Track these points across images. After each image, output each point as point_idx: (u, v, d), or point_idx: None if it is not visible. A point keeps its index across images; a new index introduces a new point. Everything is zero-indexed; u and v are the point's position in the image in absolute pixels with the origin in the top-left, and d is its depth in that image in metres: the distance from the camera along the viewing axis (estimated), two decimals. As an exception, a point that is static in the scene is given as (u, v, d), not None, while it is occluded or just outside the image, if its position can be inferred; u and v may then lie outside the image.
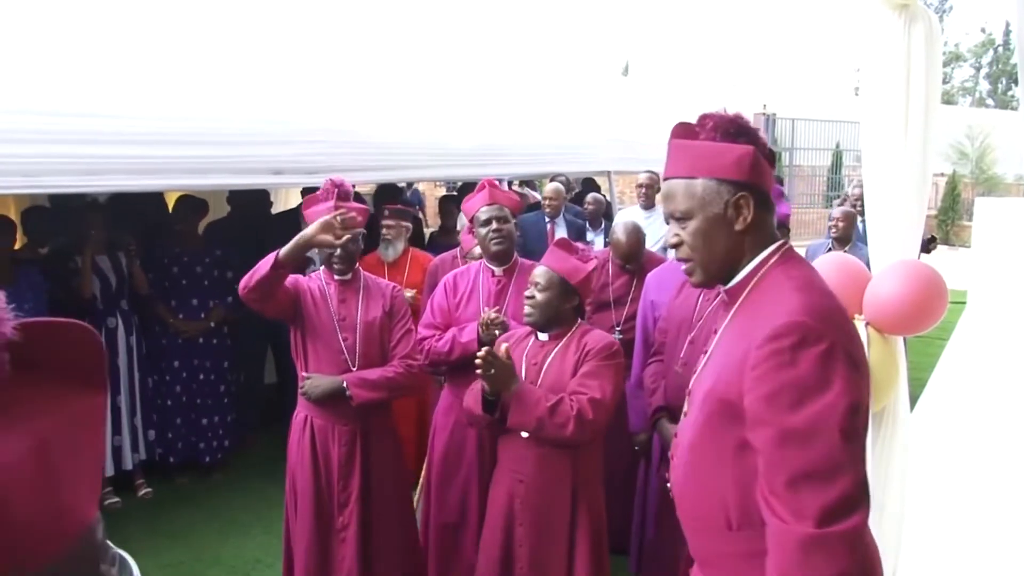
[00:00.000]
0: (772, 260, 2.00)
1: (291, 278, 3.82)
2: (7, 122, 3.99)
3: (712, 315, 3.57)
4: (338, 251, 3.84)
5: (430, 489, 4.24)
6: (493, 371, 3.20)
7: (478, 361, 3.17)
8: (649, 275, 4.46)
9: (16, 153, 3.99)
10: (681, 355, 3.68)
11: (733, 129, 1.99)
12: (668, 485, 2.26)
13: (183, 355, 6.09)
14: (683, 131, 2.06)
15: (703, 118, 2.03)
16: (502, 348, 3.27)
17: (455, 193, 9.38)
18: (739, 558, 1.95)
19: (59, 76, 4.35)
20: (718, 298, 3.57)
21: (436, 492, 4.16)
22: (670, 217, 2.06)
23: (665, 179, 2.08)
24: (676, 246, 2.06)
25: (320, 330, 3.86)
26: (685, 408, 2.19)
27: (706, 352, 2.13)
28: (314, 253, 3.95)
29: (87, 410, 0.79)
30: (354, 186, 4.06)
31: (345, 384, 3.79)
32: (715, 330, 2.14)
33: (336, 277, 3.96)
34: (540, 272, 3.50)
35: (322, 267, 4.00)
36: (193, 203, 6.14)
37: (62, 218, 5.72)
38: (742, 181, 1.96)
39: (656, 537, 3.88)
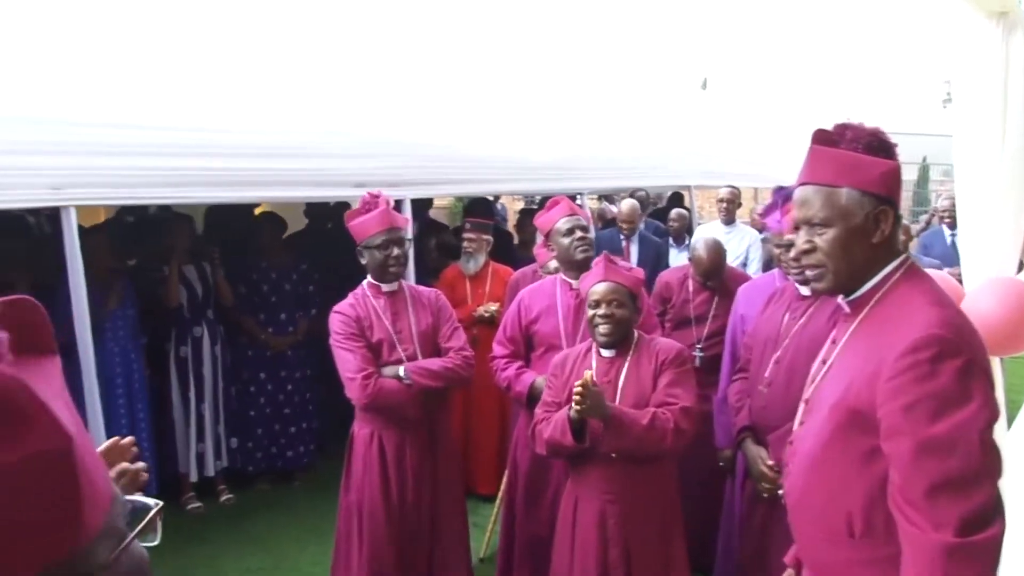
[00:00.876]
0: (897, 274, 2.04)
1: (356, 321, 3.86)
2: (100, 136, 4.10)
3: (799, 333, 3.51)
4: (395, 254, 3.86)
5: (512, 503, 4.23)
6: (588, 402, 3.19)
7: (575, 399, 3.15)
8: (740, 289, 4.41)
9: (110, 166, 4.10)
10: (766, 374, 3.61)
11: (876, 143, 2.02)
12: (780, 493, 2.29)
13: (269, 367, 6.20)
14: (823, 137, 2.08)
15: (841, 128, 2.05)
16: (588, 375, 3.24)
17: (535, 207, 9.38)
18: (859, 565, 1.99)
19: (151, 91, 4.45)
20: (805, 315, 3.53)
21: (523, 506, 4.15)
22: (804, 223, 2.08)
23: (801, 184, 2.10)
24: (807, 252, 2.08)
25: (381, 345, 3.88)
26: (800, 418, 2.24)
27: (825, 362, 2.16)
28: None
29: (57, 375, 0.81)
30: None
31: (403, 371, 3.80)
32: (833, 340, 2.17)
33: (384, 290, 3.97)
34: (611, 288, 3.46)
35: (364, 282, 4.02)
36: (274, 218, 6.25)
37: (150, 229, 5.86)
38: (884, 195, 2.00)
39: (742, 555, 3.81)
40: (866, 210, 1.99)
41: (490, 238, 5.92)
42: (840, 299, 2.16)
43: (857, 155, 2.01)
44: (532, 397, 3.97)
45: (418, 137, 5.64)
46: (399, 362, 3.85)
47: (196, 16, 5.21)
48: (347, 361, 3.80)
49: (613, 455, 3.33)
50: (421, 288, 4.19)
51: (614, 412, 3.24)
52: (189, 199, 4.82)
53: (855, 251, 2.02)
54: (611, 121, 8.00)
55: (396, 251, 3.86)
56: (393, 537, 3.85)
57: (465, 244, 5.80)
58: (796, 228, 2.14)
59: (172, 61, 4.72)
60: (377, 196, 3.89)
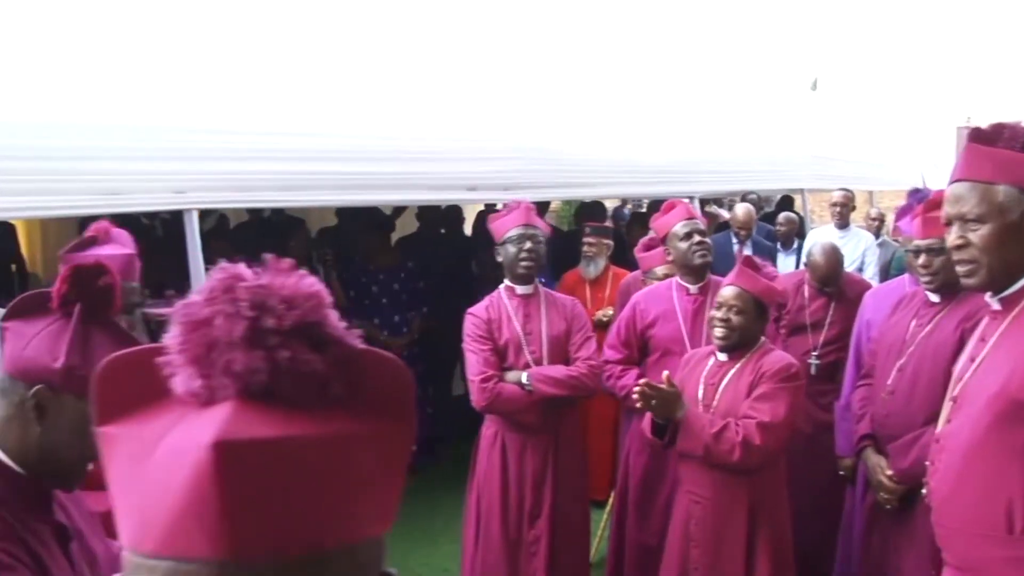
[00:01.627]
0: None
1: (486, 323, 3.89)
2: (221, 141, 4.20)
3: (925, 341, 3.40)
4: (528, 247, 3.87)
5: (623, 509, 4.21)
6: (655, 401, 3.17)
7: (635, 395, 3.16)
8: (868, 294, 4.30)
9: (230, 170, 4.20)
10: (889, 382, 3.50)
11: None
12: (924, 492, 2.30)
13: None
14: (980, 136, 2.07)
15: (999, 127, 2.05)
16: (664, 375, 3.22)
17: (643, 211, 9.31)
18: (1014, 563, 1.97)
19: (270, 97, 4.56)
20: (932, 323, 3.41)
21: (634, 514, 4.12)
22: (956, 219, 2.09)
23: (955, 181, 2.10)
24: (960, 247, 2.09)
25: (507, 347, 3.89)
26: (946, 416, 2.22)
27: (973, 360, 2.17)
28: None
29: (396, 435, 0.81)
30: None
31: (526, 377, 3.80)
32: (982, 338, 2.18)
33: (519, 292, 3.98)
34: (734, 293, 3.40)
35: (502, 285, 4.03)
36: (382, 221, 6.34)
37: (268, 231, 6.00)
38: None
39: (861, 567, 3.71)
40: (1023, 207, 1.99)
41: (610, 242, 5.89)
42: (988, 297, 2.16)
43: (1015, 153, 2.00)
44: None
45: (529, 140, 5.65)
46: (525, 366, 3.85)
47: (312, 23, 5.32)
48: (471, 363, 3.85)
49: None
50: (559, 295, 4.18)
51: (686, 415, 3.21)
52: (305, 203, 4.93)
53: (1010, 248, 2.02)
54: (721, 123, 7.89)
55: (529, 245, 3.87)
56: (506, 540, 3.86)
57: (585, 248, 5.78)
58: (947, 224, 2.13)
59: (290, 68, 4.83)
60: (520, 202, 3.98)
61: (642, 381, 3.18)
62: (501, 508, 3.87)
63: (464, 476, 4.10)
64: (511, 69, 6.29)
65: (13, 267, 7.40)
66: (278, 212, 6.43)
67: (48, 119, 3.74)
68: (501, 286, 4.03)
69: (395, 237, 6.74)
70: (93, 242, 2.47)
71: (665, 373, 3.26)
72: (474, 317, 3.93)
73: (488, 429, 3.99)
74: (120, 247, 2.51)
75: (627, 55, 7.94)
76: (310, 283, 0.81)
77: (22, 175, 3.59)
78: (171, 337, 0.79)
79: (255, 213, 7.23)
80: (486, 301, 3.99)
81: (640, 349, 4.21)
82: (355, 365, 0.80)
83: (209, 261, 4.16)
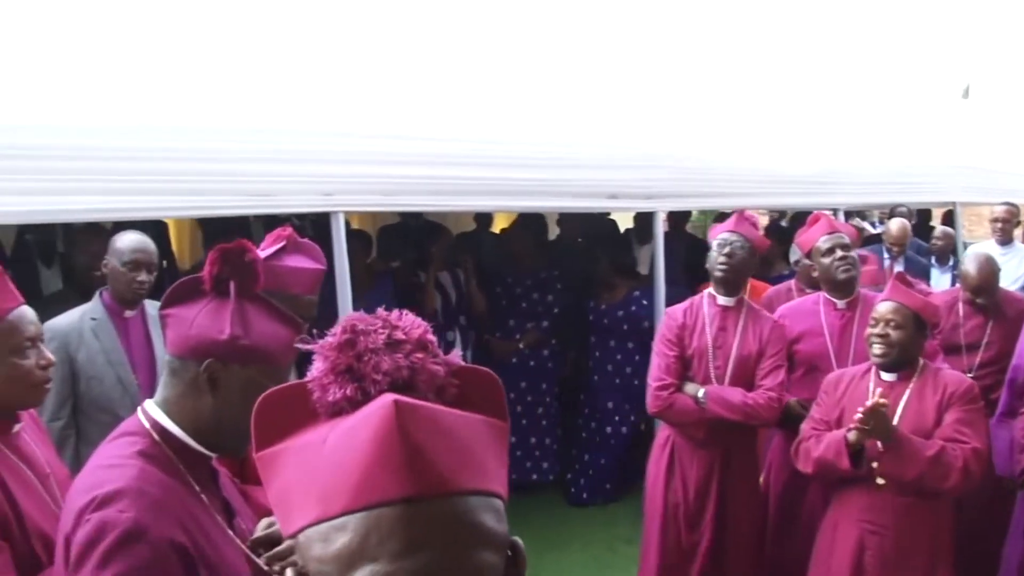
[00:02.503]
0: None
1: (679, 327, 3.86)
2: (369, 145, 4.27)
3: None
4: (724, 266, 3.81)
5: (762, 526, 4.11)
6: (873, 423, 3.04)
7: (858, 418, 3.03)
8: None
9: (377, 174, 4.26)
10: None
11: None
12: None
13: (520, 374, 6.22)
14: None
15: None
16: (880, 398, 3.10)
17: (782, 223, 9.07)
18: None
19: (417, 103, 4.62)
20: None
21: (774, 531, 4.02)
22: None
23: None
24: None
25: (694, 356, 3.84)
26: None
27: None
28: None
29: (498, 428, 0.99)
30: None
31: (703, 394, 3.73)
32: None
33: (720, 302, 3.91)
34: (892, 308, 3.27)
35: (707, 290, 4.00)
36: (529, 226, 6.36)
37: (412, 234, 6.09)
38: None
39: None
40: None
41: (745, 254, 5.77)
42: None
43: None
44: (787, 418, 3.83)
45: (672, 149, 5.57)
46: (706, 379, 3.80)
47: (459, 29, 5.36)
48: (653, 366, 3.89)
49: (881, 482, 3.16)
50: (766, 314, 4.07)
51: (899, 436, 3.07)
52: (448, 207, 4.98)
53: None
54: (867, 133, 7.62)
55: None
56: (665, 542, 3.84)
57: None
58: None
59: (438, 74, 4.88)
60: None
61: (869, 403, 3.06)
62: (663, 511, 3.87)
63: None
64: (655, 76, 6.22)
65: (164, 263, 7.69)
66: (418, 216, 6.51)
67: (203, 123, 3.87)
68: (707, 290, 3.98)
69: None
70: (283, 251, 2.51)
71: (879, 392, 3.14)
72: (670, 319, 3.95)
73: (662, 433, 4.01)
74: (312, 261, 2.55)
75: (772, 62, 7.76)
76: (412, 316, 1.00)
77: (178, 176, 3.72)
78: (318, 363, 0.96)
79: (404, 217, 7.31)
80: (687, 303, 3.96)
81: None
82: (462, 375, 0.99)
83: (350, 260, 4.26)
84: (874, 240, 7.30)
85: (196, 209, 3.98)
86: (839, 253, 3.95)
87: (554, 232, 7.52)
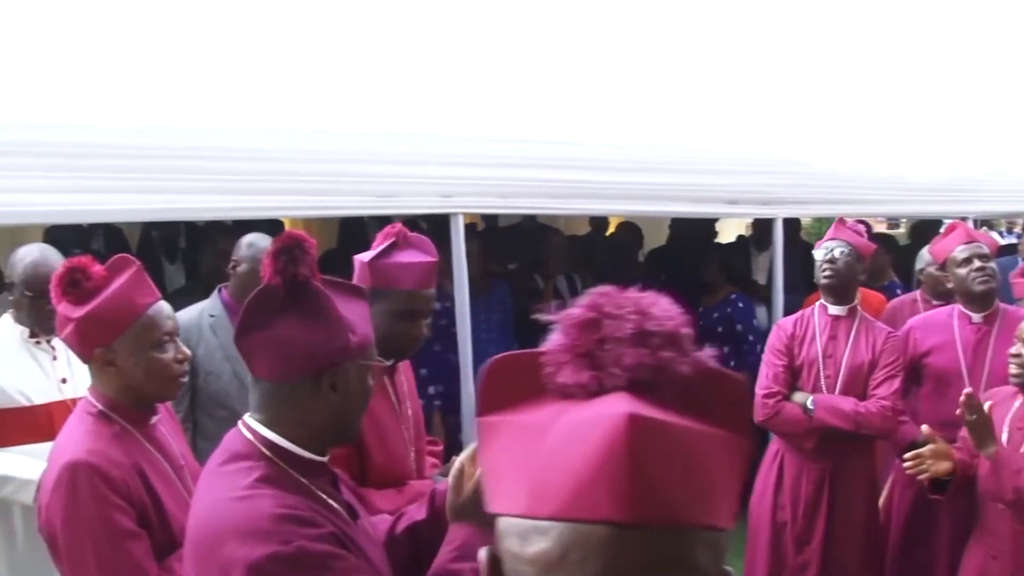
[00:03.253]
0: None
1: (789, 337, 3.81)
2: (487, 148, 4.29)
3: None
4: (828, 272, 3.72)
5: (880, 549, 3.96)
6: (975, 417, 2.89)
7: (963, 402, 2.90)
8: None
9: (495, 176, 4.27)
10: None
11: None
12: None
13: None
14: None
15: None
16: (986, 405, 2.94)
17: (899, 229, 8.79)
18: None
19: (538, 107, 4.62)
20: None
21: (897, 554, 3.86)
22: None
23: None
24: None
25: (803, 366, 3.76)
26: None
27: None
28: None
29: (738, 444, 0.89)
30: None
31: (811, 402, 3.63)
32: None
33: (831, 311, 3.82)
34: None
35: (819, 301, 3.93)
36: (634, 229, 6.30)
37: (528, 238, 6.09)
38: None
39: None
40: None
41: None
42: None
43: None
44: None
45: (792, 154, 5.44)
46: (816, 389, 3.71)
47: (576, 30, 5.33)
48: (761, 375, 3.82)
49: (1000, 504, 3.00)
50: (880, 324, 3.97)
51: (997, 453, 2.91)
52: (566, 210, 4.97)
53: None
54: (1002, 136, 7.29)
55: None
56: (773, 561, 3.75)
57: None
58: None
59: (555, 77, 4.86)
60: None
61: (966, 392, 2.96)
62: (771, 528, 3.78)
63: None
64: (775, 77, 6.08)
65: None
66: (532, 219, 6.52)
67: (325, 125, 3.94)
68: (817, 302, 3.91)
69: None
70: (394, 247, 2.52)
71: (987, 404, 3.01)
72: (780, 330, 3.89)
73: (772, 446, 3.92)
74: (422, 255, 2.55)
75: (900, 61, 7.50)
76: (669, 301, 0.89)
77: (299, 176, 3.79)
78: (557, 339, 0.87)
79: (521, 220, 7.31)
80: (797, 315, 3.92)
81: (910, 379, 3.94)
82: (709, 378, 0.88)
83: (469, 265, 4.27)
84: (1007, 251, 7.00)
85: (317, 209, 4.02)
86: (976, 264, 3.78)
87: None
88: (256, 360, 1.72)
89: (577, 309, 0.88)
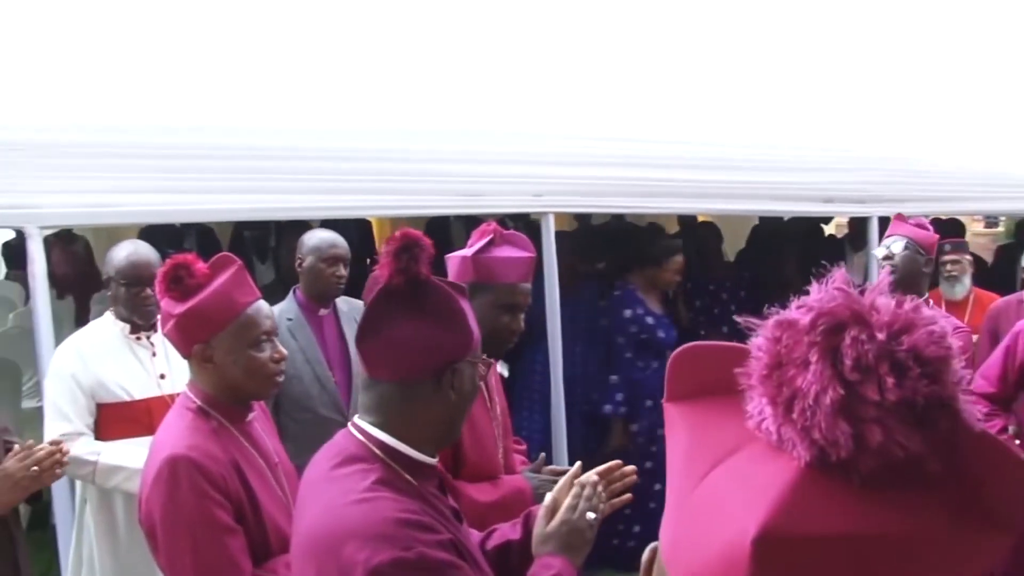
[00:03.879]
0: None
1: None
2: (578, 147, 4.27)
3: None
4: (888, 269, 3.63)
5: None
6: None
7: None
8: None
9: (586, 175, 4.25)
10: None
11: None
12: None
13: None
14: None
15: None
16: None
17: (999, 228, 8.50)
18: None
19: (628, 105, 4.58)
20: None
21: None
22: None
23: None
24: None
25: None
26: None
27: None
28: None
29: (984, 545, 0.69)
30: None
31: None
32: None
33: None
34: None
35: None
36: (716, 230, 6.19)
37: (613, 238, 6.02)
38: None
39: None
40: None
41: (971, 258, 5.39)
42: None
43: None
44: None
45: (891, 151, 5.30)
46: None
47: (667, 31, 5.27)
48: None
49: None
50: (953, 320, 3.80)
51: None
52: (657, 209, 4.92)
53: None
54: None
55: None
56: None
57: (948, 267, 5.32)
58: None
59: (645, 76, 4.81)
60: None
61: None
62: None
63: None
64: (871, 73, 5.93)
65: (368, 261, 7.91)
66: (620, 219, 6.45)
67: (415, 125, 3.96)
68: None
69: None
70: (491, 244, 2.52)
71: None
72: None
73: None
74: (520, 250, 2.55)
75: (1001, 55, 7.25)
76: (940, 333, 0.70)
77: (391, 175, 3.81)
78: (756, 353, 0.74)
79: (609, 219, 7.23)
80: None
81: (1017, 384, 3.77)
82: (967, 448, 0.69)
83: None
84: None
85: (407, 208, 4.05)
86: None
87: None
88: (377, 362, 1.69)
89: (800, 315, 0.73)
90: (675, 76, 4.94)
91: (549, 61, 4.51)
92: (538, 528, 1.82)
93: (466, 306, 1.72)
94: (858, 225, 6.37)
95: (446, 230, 6.44)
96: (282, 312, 3.63)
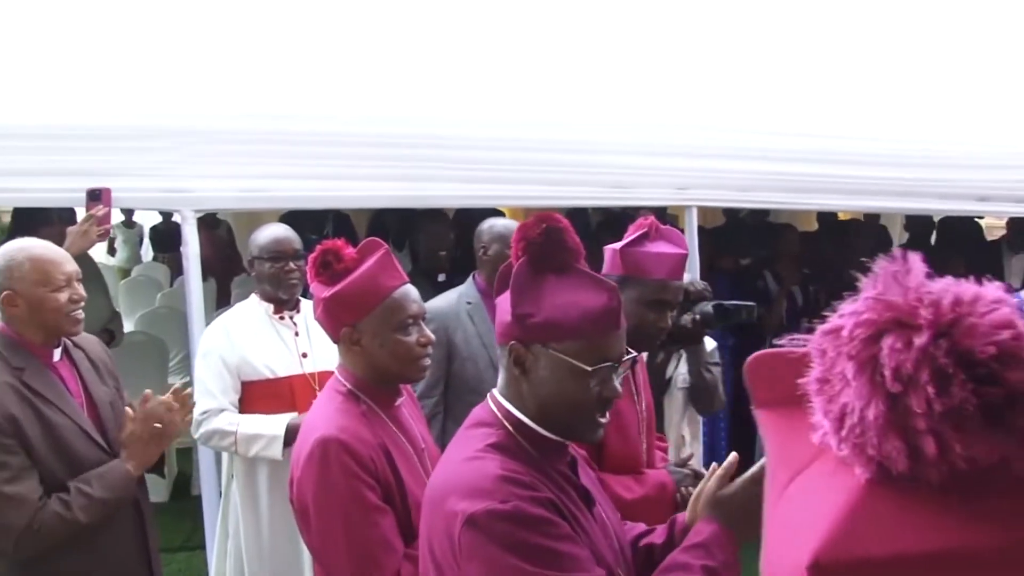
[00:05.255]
0: None
1: None
2: (726, 140, 4.20)
3: None
4: None
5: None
6: None
7: None
8: None
9: (735, 169, 4.17)
10: None
11: None
12: None
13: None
14: None
15: None
16: None
17: None
18: None
19: (771, 98, 4.46)
20: None
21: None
22: None
23: None
24: None
25: None
26: None
27: None
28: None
29: None
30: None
31: None
32: None
33: None
34: None
35: None
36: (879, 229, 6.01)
37: (759, 234, 5.90)
38: None
39: None
40: None
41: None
42: None
43: None
44: None
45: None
46: None
47: (810, 26, 5.10)
48: None
49: None
50: None
51: None
52: (805, 205, 4.83)
53: None
54: None
55: None
56: None
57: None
58: None
59: (793, 69, 4.67)
60: None
61: None
62: None
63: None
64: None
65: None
66: (756, 215, 6.31)
67: (561, 116, 3.95)
68: None
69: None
70: (645, 237, 2.49)
71: None
72: None
73: None
74: (673, 246, 2.51)
75: None
76: (999, 322, 0.63)
77: (536, 166, 3.82)
78: (811, 365, 0.71)
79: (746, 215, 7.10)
80: None
81: None
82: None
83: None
84: None
85: (551, 199, 4.02)
86: None
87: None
88: (495, 322, 1.80)
89: (845, 320, 0.68)
90: (825, 70, 4.77)
91: (697, 53, 4.41)
92: (708, 490, 1.82)
93: (566, 292, 1.70)
94: (1017, 225, 6.07)
95: (585, 220, 6.43)
96: (461, 295, 3.69)
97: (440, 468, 1.73)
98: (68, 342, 2.70)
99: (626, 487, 2.42)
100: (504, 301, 1.75)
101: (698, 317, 3.29)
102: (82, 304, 2.62)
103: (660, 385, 3.48)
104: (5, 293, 2.50)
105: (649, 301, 2.47)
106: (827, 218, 6.79)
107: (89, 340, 2.85)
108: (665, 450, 3.00)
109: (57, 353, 2.64)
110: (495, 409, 1.75)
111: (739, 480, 1.78)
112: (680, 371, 3.51)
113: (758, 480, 1.71)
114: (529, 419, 1.71)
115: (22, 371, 2.51)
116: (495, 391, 1.80)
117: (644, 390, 2.66)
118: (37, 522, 2.40)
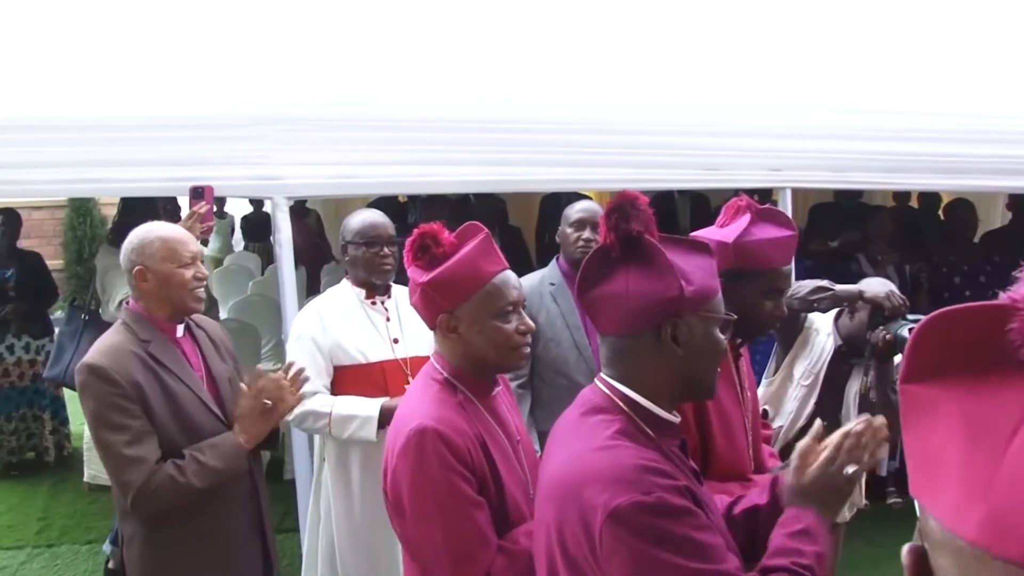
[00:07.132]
0: None
1: None
2: (820, 119, 4.12)
3: None
4: None
5: None
6: None
7: None
8: None
9: (828, 149, 4.06)
10: None
11: None
12: None
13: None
14: None
15: None
16: None
17: None
18: None
19: (864, 75, 4.33)
20: None
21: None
22: None
23: None
24: None
25: None
26: None
27: None
28: None
29: None
30: None
31: None
32: None
33: None
34: None
35: None
36: (969, 207, 5.79)
37: (850, 215, 5.76)
38: None
39: None
40: None
41: None
42: None
43: None
44: None
45: None
46: None
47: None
48: None
49: None
50: None
51: None
52: (902, 185, 4.70)
53: None
54: None
55: None
56: None
57: None
58: None
59: (887, 44, 4.53)
60: None
61: None
62: None
63: None
64: None
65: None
66: (848, 196, 6.14)
67: (653, 97, 3.88)
68: None
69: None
70: (750, 222, 2.40)
71: None
72: None
73: None
74: (782, 228, 2.42)
75: None
76: None
77: (629, 149, 3.76)
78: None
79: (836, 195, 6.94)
80: None
81: None
82: None
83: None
84: None
85: (644, 182, 3.92)
86: None
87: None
88: (598, 315, 1.76)
89: None
90: (921, 46, 4.60)
91: (791, 32, 4.30)
92: (791, 478, 1.82)
93: (691, 260, 1.71)
94: None
95: (671, 203, 6.34)
96: (544, 277, 3.69)
97: (566, 458, 1.68)
98: (191, 321, 2.85)
99: (728, 494, 2.31)
100: (624, 288, 1.70)
101: (889, 337, 3.11)
102: (204, 283, 2.77)
103: (836, 401, 3.38)
104: (137, 268, 2.66)
105: (766, 291, 2.39)
106: (902, 199, 6.64)
107: (210, 322, 3.02)
108: (768, 439, 2.90)
109: (180, 329, 2.79)
110: (607, 392, 1.73)
111: (816, 465, 1.80)
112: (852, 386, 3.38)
113: (831, 460, 1.79)
114: (644, 397, 1.70)
115: (148, 343, 2.66)
116: (604, 374, 1.76)
117: (748, 381, 2.57)
118: (154, 483, 2.52)
